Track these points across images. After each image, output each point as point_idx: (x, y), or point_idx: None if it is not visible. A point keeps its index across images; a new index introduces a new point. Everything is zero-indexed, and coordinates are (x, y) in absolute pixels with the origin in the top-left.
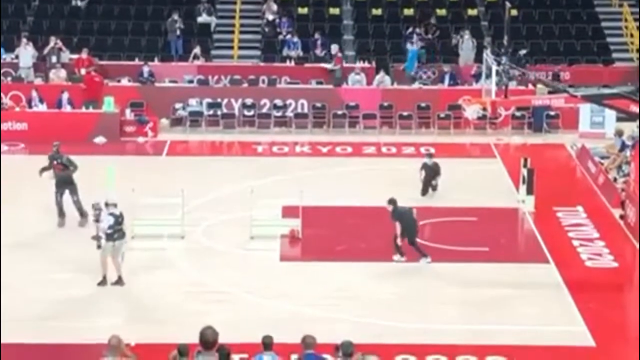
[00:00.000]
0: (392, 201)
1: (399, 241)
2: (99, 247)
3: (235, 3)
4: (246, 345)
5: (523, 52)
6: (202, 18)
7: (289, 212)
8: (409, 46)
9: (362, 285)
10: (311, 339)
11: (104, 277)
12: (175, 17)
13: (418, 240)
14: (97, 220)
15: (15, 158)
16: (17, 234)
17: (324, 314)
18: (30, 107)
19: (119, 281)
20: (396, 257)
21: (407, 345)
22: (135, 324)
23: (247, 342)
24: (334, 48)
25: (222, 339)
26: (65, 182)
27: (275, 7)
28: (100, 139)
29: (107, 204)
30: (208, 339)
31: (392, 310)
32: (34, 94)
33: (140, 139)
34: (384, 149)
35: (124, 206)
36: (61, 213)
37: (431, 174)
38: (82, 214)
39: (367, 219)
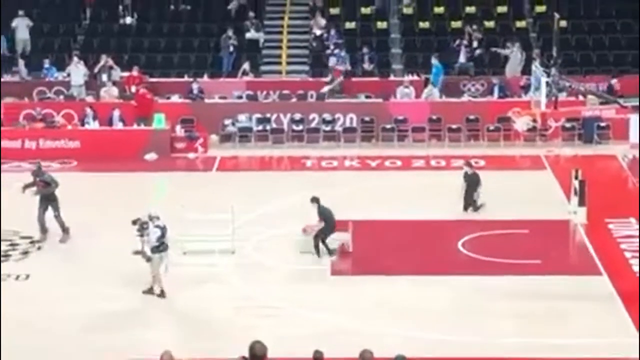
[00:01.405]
0: (315, 199)
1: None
2: (148, 260)
3: (282, 19)
4: None
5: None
6: (251, 34)
7: (338, 226)
8: (433, 61)
9: (413, 299)
10: (369, 353)
11: (162, 291)
12: (230, 33)
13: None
14: (141, 235)
15: (68, 176)
16: (62, 249)
17: (376, 329)
18: (83, 125)
19: (161, 294)
20: (332, 258)
21: (459, 359)
22: (185, 339)
23: (297, 357)
24: (332, 61)
25: (272, 354)
26: (47, 199)
27: (322, 21)
28: (151, 156)
29: (151, 218)
30: (257, 353)
31: (444, 324)
32: (88, 111)
33: (191, 155)
34: (433, 162)
35: (175, 222)
36: (43, 229)
37: (472, 184)
38: (64, 229)
39: (417, 233)
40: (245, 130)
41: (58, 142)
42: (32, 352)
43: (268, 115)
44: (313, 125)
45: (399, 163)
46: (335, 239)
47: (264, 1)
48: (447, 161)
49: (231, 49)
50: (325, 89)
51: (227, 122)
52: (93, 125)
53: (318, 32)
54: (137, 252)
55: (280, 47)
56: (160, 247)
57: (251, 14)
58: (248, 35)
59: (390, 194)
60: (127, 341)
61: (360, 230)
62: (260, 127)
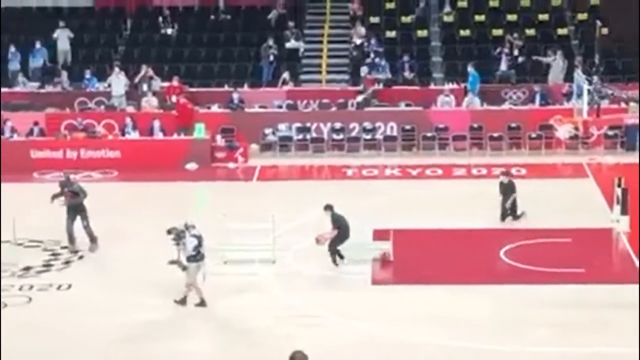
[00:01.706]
0: (329, 207)
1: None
2: (184, 269)
3: (323, 27)
4: None
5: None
6: (291, 43)
7: (379, 235)
8: (469, 69)
9: (454, 308)
10: None
11: (202, 300)
12: (270, 42)
13: None
14: (177, 244)
15: (109, 186)
16: (103, 258)
17: (416, 338)
18: (123, 135)
19: (201, 303)
20: (342, 261)
21: None
22: (225, 349)
23: None
24: (363, 70)
25: None
26: (75, 209)
27: (363, 30)
28: (191, 165)
29: (187, 227)
30: None
31: (486, 333)
32: (128, 121)
33: (231, 165)
34: (474, 171)
35: (215, 231)
36: (71, 239)
37: (507, 192)
38: (92, 239)
39: (458, 241)
40: (285, 139)
41: (99, 152)
42: None
43: (308, 124)
44: (353, 134)
45: (439, 172)
46: (376, 248)
47: (304, 10)
48: (488, 170)
49: (271, 58)
50: (359, 98)
51: (268, 131)
52: (133, 135)
53: (358, 41)
54: (173, 262)
55: (320, 56)
56: (197, 256)
57: (291, 23)
58: (288, 44)
59: (431, 202)
60: (167, 351)
61: (401, 239)
62: (301, 136)
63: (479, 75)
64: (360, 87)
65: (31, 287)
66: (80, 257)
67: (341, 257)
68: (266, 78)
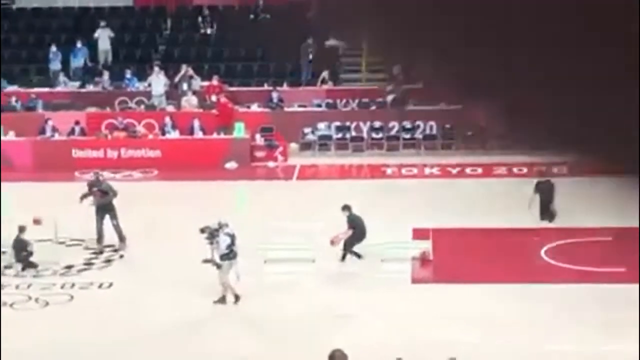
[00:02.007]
0: (346, 207)
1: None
2: (218, 267)
3: None
4: None
5: None
6: (330, 42)
7: (419, 234)
8: None
9: (494, 308)
10: None
11: (236, 296)
12: (310, 41)
13: None
14: (211, 243)
15: (149, 185)
16: (144, 257)
17: (457, 337)
18: (163, 134)
19: (236, 299)
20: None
21: None
22: (265, 347)
23: None
24: (395, 69)
25: None
26: (104, 209)
27: None
28: (231, 165)
29: (220, 225)
30: None
31: (526, 333)
32: (167, 120)
33: (271, 164)
34: (515, 170)
35: (255, 230)
36: (100, 238)
37: (546, 193)
38: (122, 238)
39: (499, 240)
40: (324, 138)
41: (139, 151)
42: None
43: (347, 123)
44: (393, 132)
45: (480, 170)
46: (415, 247)
47: None
48: (529, 168)
49: (310, 57)
50: (389, 97)
51: (307, 130)
52: (173, 134)
53: None
54: (206, 261)
55: (360, 55)
56: (230, 254)
57: None
58: (328, 43)
59: (471, 201)
60: (205, 349)
61: (440, 238)
62: (340, 135)
63: None
64: (391, 87)
65: (73, 285)
66: (121, 256)
67: (358, 256)
68: (305, 77)
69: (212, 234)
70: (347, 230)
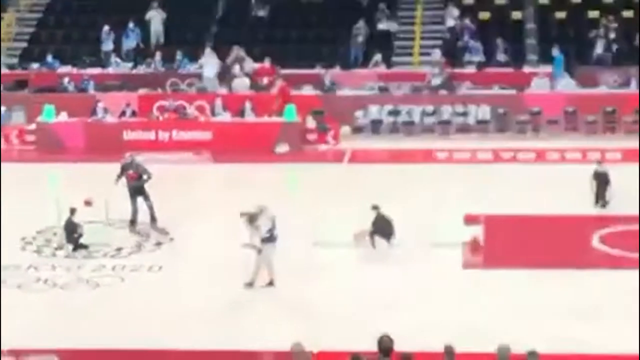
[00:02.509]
0: (375, 207)
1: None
2: (259, 251)
3: (416, 9)
4: (426, 354)
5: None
6: (383, 25)
7: (471, 219)
8: (554, 53)
9: (545, 294)
10: (506, 348)
11: (272, 281)
12: (360, 24)
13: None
14: (250, 227)
15: (200, 167)
16: (192, 240)
17: (506, 323)
18: (214, 116)
19: (271, 283)
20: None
21: (597, 356)
22: (312, 331)
23: (427, 351)
24: (437, 54)
25: (401, 347)
26: (137, 191)
27: (456, 12)
28: (282, 147)
29: (261, 209)
30: (385, 346)
31: (579, 319)
32: (218, 102)
33: (322, 147)
34: (568, 155)
35: (305, 213)
36: (134, 221)
37: (602, 181)
38: (154, 219)
39: (550, 226)
40: (376, 122)
41: (190, 133)
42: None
43: (400, 107)
44: (445, 117)
45: (532, 156)
46: (467, 232)
47: None
48: (582, 154)
49: (360, 39)
50: (436, 81)
51: (359, 113)
52: (224, 116)
53: (451, 22)
54: (246, 245)
55: (413, 38)
56: (270, 238)
57: (381, 5)
58: (380, 26)
59: (523, 187)
60: (250, 333)
61: (492, 223)
62: (392, 119)
63: (564, 58)
64: (436, 70)
65: (123, 267)
66: (171, 239)
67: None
68: (355, 59)
69: (251, 218)
70: (367, 229)
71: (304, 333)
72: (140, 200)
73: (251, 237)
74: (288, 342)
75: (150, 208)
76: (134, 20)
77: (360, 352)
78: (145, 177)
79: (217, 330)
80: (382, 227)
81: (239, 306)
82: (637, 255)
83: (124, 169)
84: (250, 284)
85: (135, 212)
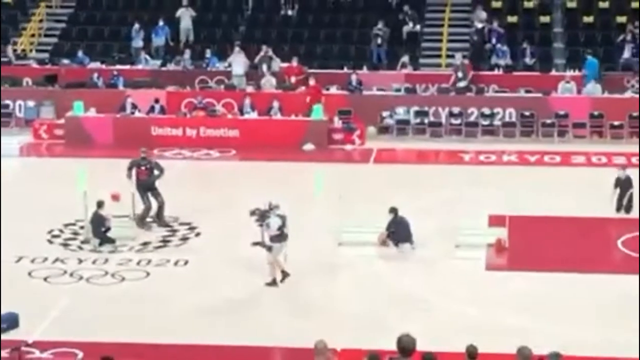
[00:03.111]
0: (393, 210)
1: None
2: (269, 249)
3: (444, 12)
4: (450, 355)
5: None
6: (409, 27)
7: (495, 221)
8: (588, 57)
9: (570, 297)
10: (527, 350)
11: (274, 280)
12: (380, 25)
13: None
14: (261, 225)
15: (227, 164)
16: (220, 235)
17: (530, 325)
18: (242, 114)
19: (283, 278)
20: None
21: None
22: (336, 330)
23: (450, 352)
24: (458, 58)
25: (423, 347)
26: (148, 187)
27: (484, 15)
28: (308, 146)
29: (271, 207)
30: (405, 346)
31: (601, 322)
32: (246, 101)
33: (348, 147)
34: (594, 159)
35: (331, 213)
36: (147, 210)
37: (624, 187)
38: (160, 216)
39: (575, 229)
40: (402, 122)
41: (218, 130)
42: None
43: (426, 108)
44: (472, 119)
45: (558, 159)
46: (491, 234)
47: None
48: (608, 158)
49: (379, 41)
50: (461, 84)
51: (385, 114)
52: (252, 115)
53: (479, 25)
54: (256, 243)
55: (440, 40)
56: (281, 236)
57: (405, 7)
58: (406, 28)
59: (548, 189)
60: (275, 328)
61: (517, 225)
62: (418, 120)
63: (598, 63)
64: (460, 74)
65: (149, 262)
66: (197, 234)
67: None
68: (377, 60)
69: (262, 216)
70: (385, 232)
71: (328, 331)
72: (150, 196)
73: (261, 235)
74: (311, 340)
75: (160, 206)
76: (163, 18)
77: (381, 350)
78: (157, 172)
79: (240, 325)
80: (401, 231)
81: (261, 302)
82: None
83: (135, 164)
84: (272, 283)
85: (148, 208)
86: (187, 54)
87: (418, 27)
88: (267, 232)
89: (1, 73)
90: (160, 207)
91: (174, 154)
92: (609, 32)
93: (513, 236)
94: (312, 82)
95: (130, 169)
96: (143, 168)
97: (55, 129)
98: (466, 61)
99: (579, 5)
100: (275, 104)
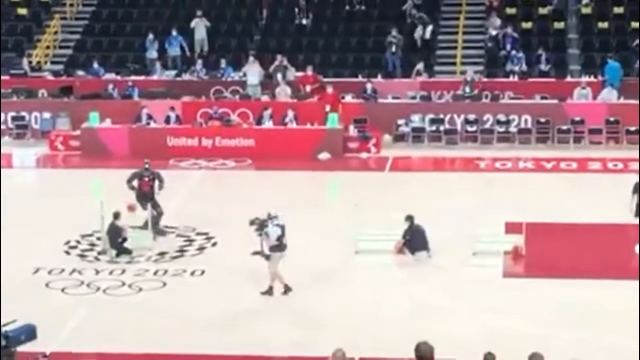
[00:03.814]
0: (409, 218)
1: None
2: (267, 258)
3: (458, 19)
4: None
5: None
6: (420, 33)
7: (512, 228)
8: (610, 61)
9: (587, 303)
10: (539, 357)
11: (271, 288)
12: (394, 33)
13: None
14: (260, 235)
15: (243, 174)
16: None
17: (548, 332)
18: (259, 124)
19: (287, 289)
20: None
21: None
22: (354, 338)
23: None
24: (470, 73)
25: (441, 355)
26: (149, 198)
27: (498, 21)
28: (324, 155)
29: (270, 217)
30: (423, 354)
31: (619, 329)
32: (267, 112)
33: (364, 155)
34: (610, 165)
35: (348, 221)
36: (146, 224)
37: None
38: (155, 225)
39: (592, 235)
40: (418, 130)
41: (233, 140)
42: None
43: (441, 115)
44: (487, 126)
45: (574, 165)
46: (508, 241)
47: (440, 1)
48: (624, 164)
49: (393, 49)
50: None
51: (401, 122)
52: (267, 124)
53: (494, 32)
54: (255, 253)
55: (455, 47)
56: (280, 246)
57: (413, 11)
58: (417, 33)
59: (565, 196)
60: (292, 337)
61: (533, 232)
62: (434, 128)
63: (620, 67)
64: (467, 89)
65: (165, 272)
66: (214, 244)
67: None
68: (390, 68)
69: (261, 225)
70: (401, 240)
71: (345, 339)
72: (149, 207)
73: (260, 245)
74: (329, 349)
75: (158, 216)
76: (177, 27)
77: (399, 359)
78: (158, 183)
79: (257, 335)
80: (417, 239)
81: (278, 312)
82: None
83: (138, 176)
84: (268, 292)
85: (160, 214)
86: (199, 64)
87: (430, 30)
88: (266, 242)
89: (17, 85)
90: (157, 218)
91: (190, 164)
92: (624, 38)
93: (530, 243)
94: (329, 90)
95: (132, 180)
96: (146, 179)
97: (71, 140)
98: (477, 77)
99: (593, 11)
100: (290, 113)
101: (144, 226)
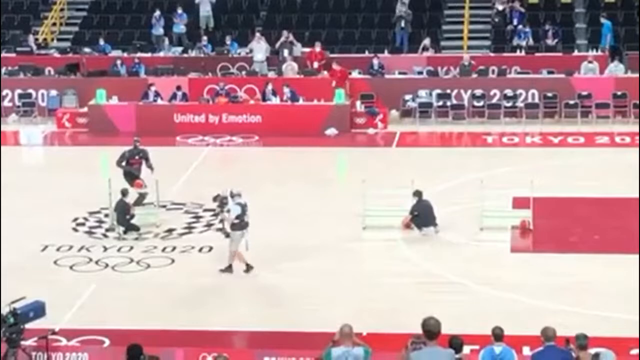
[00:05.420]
0: (417, 193)
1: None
2: (227, 236)
3: None
4: (476, 337)
5: None
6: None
7: (519, 203)
8: (602, 20)
9: (595, 277)
10: (552, 331)
11: (230, 266)
12: (403, 8)
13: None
14: (221, 211)
15: (250, 150)
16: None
17: (556, 306)
18: (264, 100)
19: (247, 269)
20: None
21: None
22: (362, 314)
23: (477, 334)
24: (466, 58)
25: (452, 330)
26: (136, 176)
27: None
28: (331, 131)
29: (232, 195)
30: (430, 329)
31: (626, 303)
32: (269, 87)
33: (371, 131)
34: (617, 139)
35: (355, 197)
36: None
37: None
38: (138, 203)
39: (599, 210)
40: (425, 106)
41: (240, 117)
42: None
43: (448, 91)
44: (494, 101)
45: (582, 140)
46: (515, 216)
47: None
48: (632, 138)
49: (403, 24)
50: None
51: (408, 97)
52: (274, 100)
53: (500, 7)
54: (218, 229)
55: (461, 22)
56: (240, 224)
57: None
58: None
59: (572, 171)
60: (308, 315)
61: (541, 207)
62: (441, 103)
63: (612, 25)
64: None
65: (173, 248)
66: (221, 221)
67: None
68: (399, 44)
69: (222, 203)
70: (409, 216)
71: (353, 314)
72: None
73: (223, 222)
74: (337, 324)
75: (141, 197)
76: (182, 4)
77: (407, 334)
78: (149, 163)
79: (265, 310)
80: (425, 214)
81: (284, 287)
82: None
83: (130, 154)
84: (227, 269)
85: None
86: (205, 40)
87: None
88: (227, 220)
89: (23, 63)
90: (141, 197)
91: (197, 141)
92: (632, 11)
93: (537, 218)
94: (336, 66)
95: (124, 158)
96: (137, 157)
97: (78, 117)
98: (472, 62)
99: None
100: (286, 90)
101: (136, 202)
